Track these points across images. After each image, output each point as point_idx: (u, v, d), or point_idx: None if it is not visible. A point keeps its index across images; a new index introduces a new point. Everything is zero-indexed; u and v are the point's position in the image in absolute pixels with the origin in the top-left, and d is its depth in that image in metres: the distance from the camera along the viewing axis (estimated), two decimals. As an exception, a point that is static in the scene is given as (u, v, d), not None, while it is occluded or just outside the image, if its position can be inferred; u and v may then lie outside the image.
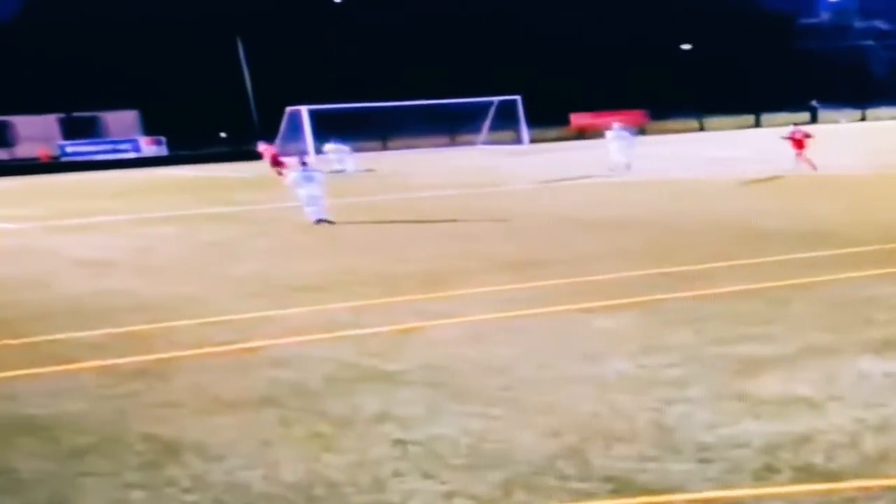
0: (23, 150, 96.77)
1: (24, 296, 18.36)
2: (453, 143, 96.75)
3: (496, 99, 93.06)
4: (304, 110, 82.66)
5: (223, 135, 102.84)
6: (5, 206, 42.98)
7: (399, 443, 8.91)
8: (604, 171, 46.12)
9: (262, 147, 66.93)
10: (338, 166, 59.84)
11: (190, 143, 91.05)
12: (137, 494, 8.00)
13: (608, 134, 51.00)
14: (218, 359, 12.52)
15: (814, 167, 42.26)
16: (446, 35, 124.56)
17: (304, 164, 30.98)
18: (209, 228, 29.17)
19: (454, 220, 28.96)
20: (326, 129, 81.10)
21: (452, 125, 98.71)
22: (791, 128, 46.82)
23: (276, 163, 60.62)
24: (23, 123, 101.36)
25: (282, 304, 16.04)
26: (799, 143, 44.75)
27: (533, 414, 9.59)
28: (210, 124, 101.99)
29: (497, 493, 7.67)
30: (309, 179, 29.29)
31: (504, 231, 25.97)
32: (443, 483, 7.92)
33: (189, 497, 7.88)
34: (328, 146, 64.97)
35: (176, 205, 38.95)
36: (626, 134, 50.41)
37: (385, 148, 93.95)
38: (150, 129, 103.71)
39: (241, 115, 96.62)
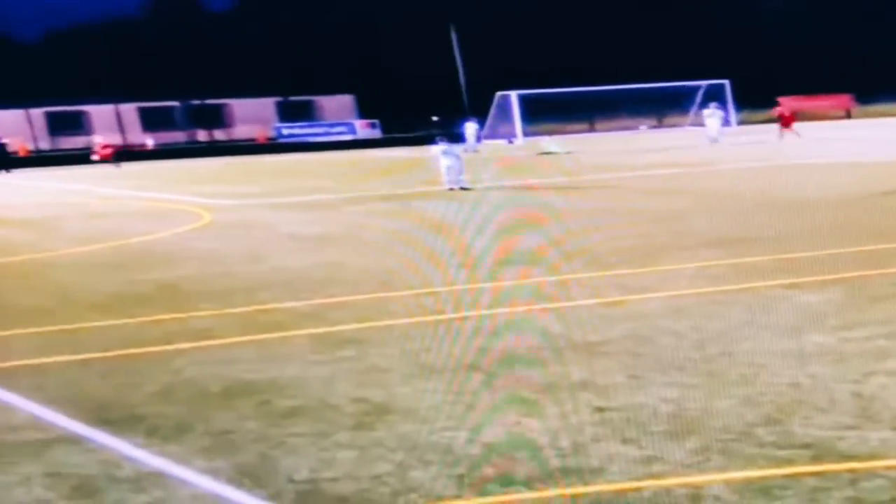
0: (239, 132, 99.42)
1: (242, 268, 19.02)
2: (660, 126, 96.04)
3: (704, 83, 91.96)
4: (513, 95, 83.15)
5: (435, 118, 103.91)
6: (223, 184, 44.18)
7: (599, 409, 9.05)
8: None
9: (97, 140, 73.33)
10: (554, 148, 60.30)
11: (403, 127, 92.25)
12: (346, 454, 8.26)
13: (705, 112, 62.20)
14: (428, 327, 12.81)
15: (798, 135, 54.14)
16: (656, 19, 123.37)
17: (445, 143, 36.05)
18: (422, 206, 29.46)
19: (657, 198, 28.91)
20: (535, 112, 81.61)
21: (660, 108, 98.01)
22: (778, 108, 59.49)
23: (117, 157, 68.70)
24: (239, 106, 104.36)
25: (490, 277, 16.31)
26: (789, 119, 56.41)
27: (732, 384, 9.64)
28: (423, 108, 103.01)
29: (696, 459, 7.74)
30: (447, 154, 35.18)
31: (707, 209, 25.77)
32: (641, 448, 8.02)
33: (395, 456, 8.12)
34: (468, 125, 68.79)
35: (390, 184, 39.49)
36: (720, 112, 61.39)
37: (592, 130, 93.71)
38: (364, 113, 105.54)
39: (453, 100, 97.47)
